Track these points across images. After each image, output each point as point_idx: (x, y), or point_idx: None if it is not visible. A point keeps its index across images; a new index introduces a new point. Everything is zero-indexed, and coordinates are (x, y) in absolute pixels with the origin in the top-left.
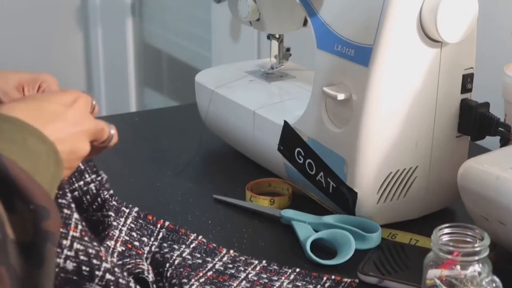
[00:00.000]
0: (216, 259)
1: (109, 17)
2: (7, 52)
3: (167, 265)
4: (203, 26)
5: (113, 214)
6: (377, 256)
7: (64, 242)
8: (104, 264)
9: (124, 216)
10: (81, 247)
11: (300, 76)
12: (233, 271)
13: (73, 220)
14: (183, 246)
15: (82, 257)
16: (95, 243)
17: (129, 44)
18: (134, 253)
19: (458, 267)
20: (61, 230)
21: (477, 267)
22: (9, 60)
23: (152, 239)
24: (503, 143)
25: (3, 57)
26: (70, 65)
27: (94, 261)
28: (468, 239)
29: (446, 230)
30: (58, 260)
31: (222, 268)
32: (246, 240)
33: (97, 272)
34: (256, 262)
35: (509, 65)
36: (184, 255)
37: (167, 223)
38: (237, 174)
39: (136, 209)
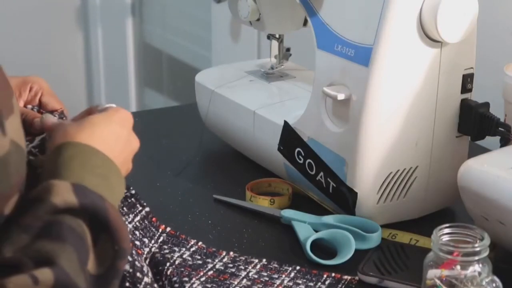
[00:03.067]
0: (217, 260)
1: (109, 17)
2: (7, 52)
3: (168, 264)
4: (203, 26)
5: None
6: (377, 256)
7: None
8: (145, 279)
9: (135, 213)
10: (130, 259)
11: (300, 76)
12: (233, 270)
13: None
14: (183, 249)
15: (128, 268)
16: (140, 258)
17: (129, 44)
18: (134, 252)
19: (458, 267)
20: None
21: (477, 267)
22: (9, 60)
23: (153, 241)
24: (503, 143)
25: (3, 57)
26: (70, 65)
27: (138, 274)
28: (468, 239)
29: (446, 230)
30: None
31: (222, 268)
32: (246, 240)
33: (138, 286)
34: (257, 260)
35: (509, 65)
36: (184, 256)
37: (168, 229)
38: (237, 174)
39: (147, 209)
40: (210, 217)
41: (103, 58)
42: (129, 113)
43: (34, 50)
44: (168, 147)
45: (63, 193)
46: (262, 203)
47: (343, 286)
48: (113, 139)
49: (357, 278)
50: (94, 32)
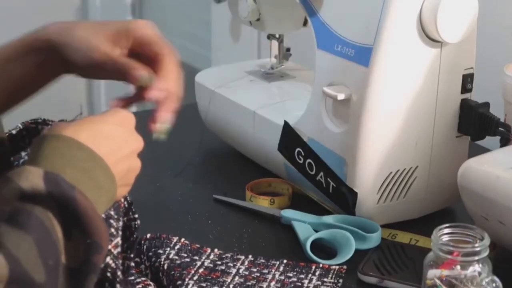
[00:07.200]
0: (204, 258)
1: (109, 17)
2: None
3: (160, 274)
4: (203, 26)
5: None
6: (377, 256)
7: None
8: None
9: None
10: (113, 265)
11: (300, 76)
12: (223, 267)
13: (116, 240)
14: (168, 249)
15: (108, 274)
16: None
17: None
18: (133, 271)
19: (458, 267)
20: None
21: (477, 267)
22: None
23: (142, 255)
24: (503, 143)
25: None
26: None
27: (118, 286)
28: (468, 239)
29: (446, 230)
30: None
31: (211, 265)
32: (246, 240)
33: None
34: (243, 257)
35: (509, 65)
36: (171, 256)
37: (148, 235)
38: (237, 174)
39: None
40: (210, 217)
41: None
42: (129, 113)
43: None
44: (168, 147)
45: (32, 179)
46: (262, 203)
47: (333, 276)
48: (103, 137)
49: (345, 267)
50: None
